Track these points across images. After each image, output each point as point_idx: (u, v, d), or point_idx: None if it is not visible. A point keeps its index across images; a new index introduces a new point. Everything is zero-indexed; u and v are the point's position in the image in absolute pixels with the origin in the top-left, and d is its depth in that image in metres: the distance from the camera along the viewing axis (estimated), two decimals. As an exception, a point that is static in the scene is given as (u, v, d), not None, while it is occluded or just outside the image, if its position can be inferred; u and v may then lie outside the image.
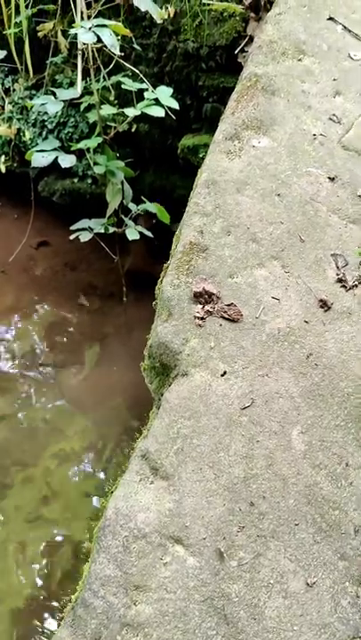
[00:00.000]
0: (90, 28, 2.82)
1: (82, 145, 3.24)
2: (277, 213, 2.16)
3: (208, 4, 3.36)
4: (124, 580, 1.61)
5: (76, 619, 1.59)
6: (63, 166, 3.06)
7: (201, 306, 1.94)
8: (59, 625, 1.68)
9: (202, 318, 1.92)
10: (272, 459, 1.76)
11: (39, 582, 2.64)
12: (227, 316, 1.92)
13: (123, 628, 1.56)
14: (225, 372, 1.86)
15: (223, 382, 1.85)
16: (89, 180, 3.98)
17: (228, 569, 1.63)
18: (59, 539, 2.82)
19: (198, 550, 1.65)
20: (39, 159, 3.07)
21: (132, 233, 3.30)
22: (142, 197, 3.44)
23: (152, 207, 3.36)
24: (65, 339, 3.80)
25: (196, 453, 1.75)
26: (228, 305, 1.94)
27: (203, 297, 1.94)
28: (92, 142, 3.20)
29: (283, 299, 2.00)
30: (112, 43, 2.83)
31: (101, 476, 3.11)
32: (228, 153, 2.27)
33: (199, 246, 2.07)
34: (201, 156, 3.56)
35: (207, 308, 1.93)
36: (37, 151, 3.11)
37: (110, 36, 2.83)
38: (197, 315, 1.92)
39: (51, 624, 2.49)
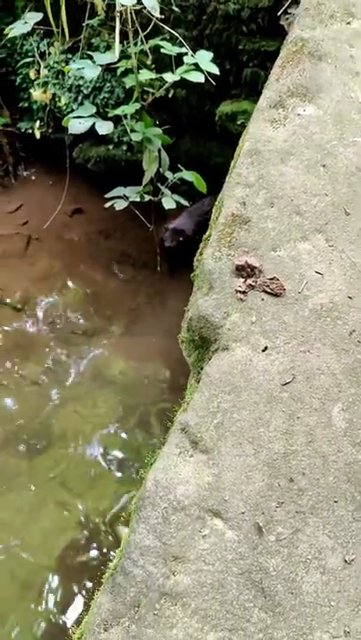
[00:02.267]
0: (130, -10, 2.75)
1: (119, 111, 3.19)
2: (322, 185, 2.11)
3: (251, -37, 3.23)
4: (163, 551, 1.63)
5: (115, 586, 1.62)
6: (100, 133, 3.02)
7: (243, 279, 1.91)
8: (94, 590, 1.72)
9: (244, 292, 1.89)
10: (312, 435, 1.75)
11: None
12: (269, 291, 1.89)
13: (161, 597, 1.58)
14: (266, 348, 1.84)
15: (264, 357, 1.83)
16: (124, 147, 3.93)
17: (267, 543, 1.64)
18: (81, 507, 2.86)
19: (237, 524, 1.65)
20: (76, 125, 3.03)
21: (169, 202, 3.26)
22: (179, 165, 3.39)
23: (189, 175, 3.30)
24: (98, 307, 3.81)
25: (236, 428, 1.75)
26: (271, 279, 1.91)
27: (245, 270, 1.90)
28: (130, 108, 3.14)
29: (326, 273, 1.96)
30: (152, 5, 2.76)
31: (131, 443, 3.14)
32: (273, 121, 2.21)
33: (241, 218, 2.03)
34: (239, 123, 3.47)
35: (249, 281, 1.90)
36: (74, 117, 3.06)
37: (151, -3, 2.75)
38: (239, 288, 1.89)
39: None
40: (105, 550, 2.69)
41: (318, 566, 1.63)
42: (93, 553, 2.70)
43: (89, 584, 2.56)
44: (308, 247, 1.99)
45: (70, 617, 2.46)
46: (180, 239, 3.81)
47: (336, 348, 1.87)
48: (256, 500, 1.68)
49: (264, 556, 1.63)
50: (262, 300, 1.90)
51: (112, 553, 2.67)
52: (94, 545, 2.72)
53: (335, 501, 1.69)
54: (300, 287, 1.93)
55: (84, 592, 2.55)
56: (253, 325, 1.87)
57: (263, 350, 1.84)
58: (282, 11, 3.24)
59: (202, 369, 1.92)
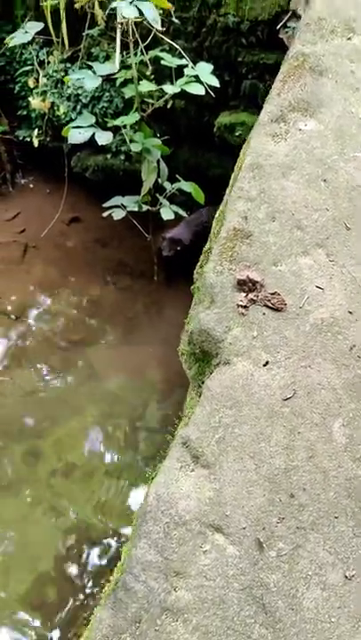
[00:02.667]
0: (131, 2, 2.76)
1: (119, 122, 3.19)
2: (323, 200, 2.12)
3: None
4: (165, 566, 1.63)
5: (117, 601, 1.61)
6: (100, 143, 3.02)
7: (244, 294, 1.91)
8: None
9: (245, 306, 1.90)
10: (313, 451, 1.76)
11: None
12: (270, 305, 1.90)
13: (163, 612, 1.58)
14: (267, 362, 1.84)
15: (265, 372, 1.83)
16: (122, 157, 3.93)
17: (268, 559, 1.64)
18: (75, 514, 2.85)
19: (238, 539, 1.66)
20: (76, 135, 3.03)
21: (167, 212, 3.27)
22: (177, 176, 3.40)
23: (187, 186, 3.31)
24: (94, 315, 3.81)
25: (238, 443, 1.75)
26: (273, 293, 1.92)
27: (247, 285, 1.91)
28: (130, 119, 3.15)
29: (327, 288, 1.97)
30: (154, 17, 2.77)
31: (127, 453, 3.13)
32: (274, 136, 2.22)
33: (243, 232, 2.04)
34: (238, 134, 3.49)
35: (251, 296, 1.90)
36: (74, 127, 3.07)
37: (152, 10, 2.76)
38: (241, 303, 1.90)
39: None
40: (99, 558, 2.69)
41: (319, 582, 1.63)
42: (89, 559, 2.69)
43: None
44: (309, 262, 2.01)
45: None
46: (178, 248, 3.82)
47: (337, 363, 1.87)
48: (257, 515, 1.68)
49: (265, 571, 1.63)
50: (264, 314, 1.91)
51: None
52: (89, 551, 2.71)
53: (336, 517, 1.70)
54: (301, 302, 1.94)
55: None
56: (255, 340, 1.88)
57: (264, 365, 1.84)
58: (281, 24, 3.27)
59: (203, 382, 1.93)
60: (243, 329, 1.89)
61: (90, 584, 2.60)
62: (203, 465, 1.74)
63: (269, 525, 1.67)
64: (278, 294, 1.93)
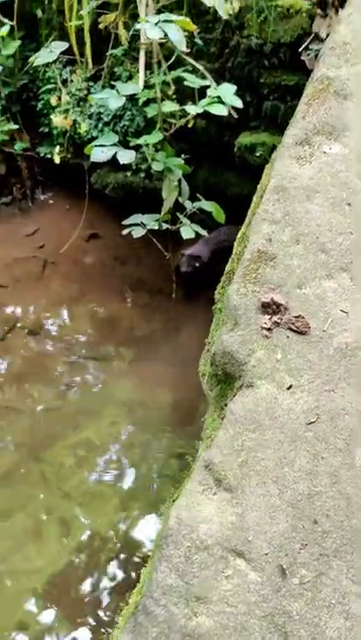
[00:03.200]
0: (157, 24, 2.79)
1: (142, 141, 3.22)
2: (347, 223, 2.12)
3: (274, 0, 3.29)
4: (186, 591, 1.61)
5: (137, 625, 1.60)
6: (122, 162, 3.04)
7: (269, 316, 1.91)
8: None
9: (269, 329, 1.89)
10: (337, 476, 1.74)
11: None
12: (294, 328, 1.90)
13: (183, 638, 1.56)
14: (291, 386, 1.84)
15: (289, 396, 1.83)
16: (142, 174, 3.96)
17: (290, 586, 1.62)
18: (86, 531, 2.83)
19: (260, 565, 1.64)
20: (99, 154, 3.06)
21: (188, 231, 3.27)
22: (198, 195, 3.41)
23: (208, 205, 3.33)
24: (112, 332, 3.81)
25: (261, 467, 1.74)
26: (297, 317, 1.91)
27: (271, 307, 1.91)
28: (153, 138, 3.17)
29: (351, 312, 1.97)
30: (179, 39, 2.80)
31: (140, 471, 3.11)
32: (299, 158, 2.23)
33: (267, 254, 2.04)
34: (258, 154, 3.51)
35: (275, 318, 1.90)
36: (97, 146, 3.10)
37: (177, 32, 2.79)
38: (265, 325, 1.90)
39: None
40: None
41: (342, 611, 1.61)
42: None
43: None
44: (334, 285, 2.00)
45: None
46: (197, 265, 3.84)
47: (360, 388, 1.86)
48: (280, 541, 1.66)
49: (287, 599, 1.61)
50: (287, 337, 1.91)
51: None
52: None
53: (359, 545, 1.67)
54: (325, 325, 1.93)
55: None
56: (278, 363, 1.87)
57: (288, 388, 1.84)
58: (304, 47, 3.30)
59: (225, 405, 1.92)
60: (266, 352, 1.89)
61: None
62: (225, 489, 1.73)
63: (292, 552, 1.66)
64: (302, 317, 1.92)
